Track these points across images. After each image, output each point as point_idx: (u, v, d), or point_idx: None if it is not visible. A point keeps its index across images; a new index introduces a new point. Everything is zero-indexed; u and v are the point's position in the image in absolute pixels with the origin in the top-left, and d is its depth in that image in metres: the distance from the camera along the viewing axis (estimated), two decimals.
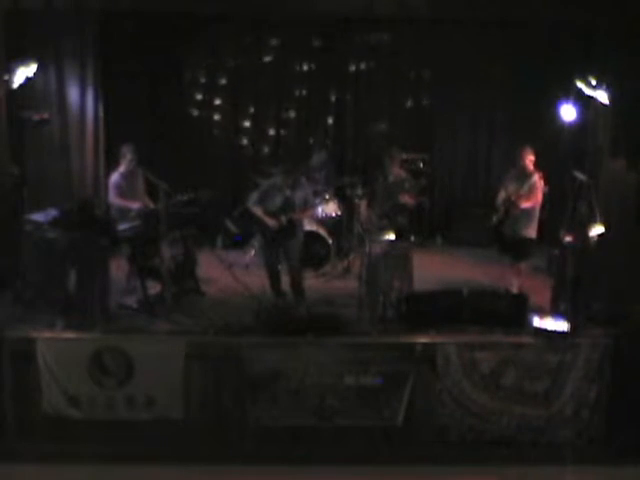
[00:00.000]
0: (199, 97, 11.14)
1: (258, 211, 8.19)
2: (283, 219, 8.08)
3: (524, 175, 8.29)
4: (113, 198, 8.59)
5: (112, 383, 7.15)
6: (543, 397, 7.26)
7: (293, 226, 8.17)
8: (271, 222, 8.09)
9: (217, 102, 11.15)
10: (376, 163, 9.12)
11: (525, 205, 8.21)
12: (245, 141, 11.29)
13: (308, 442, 7.22)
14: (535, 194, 8.24)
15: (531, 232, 8.36)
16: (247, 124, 11.26)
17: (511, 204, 8.27)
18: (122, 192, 8.55)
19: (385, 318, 7.61)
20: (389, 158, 8.55)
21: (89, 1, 9.15)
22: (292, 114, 11.32)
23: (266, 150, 11.25)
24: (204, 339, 7.27)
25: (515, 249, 8.40)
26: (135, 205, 8.41)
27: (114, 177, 8.65)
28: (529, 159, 8.30)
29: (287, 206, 8.13)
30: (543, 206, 8.43)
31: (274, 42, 10.97)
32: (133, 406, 7.17)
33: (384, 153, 8.78)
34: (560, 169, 8.97)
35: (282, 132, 11.29)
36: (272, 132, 11.29)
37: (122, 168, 8.61)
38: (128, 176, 8.60)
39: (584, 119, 9.21)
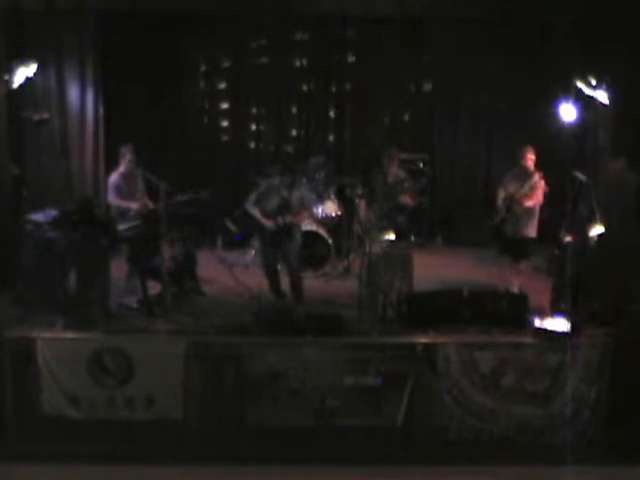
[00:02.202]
0: (199, 97, 11.14)
1: (256, 212, 8.19)
2: (280, 220, 8.07)
3: (525, 175, 8.30)
4: (112, 199, 8.60)
5: (112, 383, 7.14)
6: (543, 397, 7.26)
7: (290, 227, 8.16)
8: (268, 223, 8.09)
9: (217, 102, 11.16)
10: (375, 163, 9.12)
11: (527, 204, 8.22)
12: (245, 141, 11.29)
13: (308, 442, 7.22)
14: (537, 194, 8.26)
15: (531, 231, 8.37)
16: (247, 124, 11.26)
17: (513, 203, 8.27)
18: (121, 193, 8.55)
19: (385, 318, 7.61)
20: (388, 158, 8.56)
21: (89, 1, 9.16)
22: (292, 114, 11.33)
23: (266, 150, 11.25)
24: (204, 339, 7.27)
25: (515, 249, 8.40)
26: (134, 205, 8.41)
27: (113, 177, 8.65)
28: (530, 158, 8.31)
29: (284, 207, 8.12)
30: (543, 206, 8.45)
31: (274, 42, 10.96)
32: (133, 406, 7.17)
33: (383, 153, 8.78)
34: (560, 169, 8.97)
35: (282, 132, 11.30)
36: (272, 132, 11.29)
37: (121, 168, 8.61)
38: (127, 176, 8.59)
39: (584, 119, 9.22)
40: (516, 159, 8.46)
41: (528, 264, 8.66)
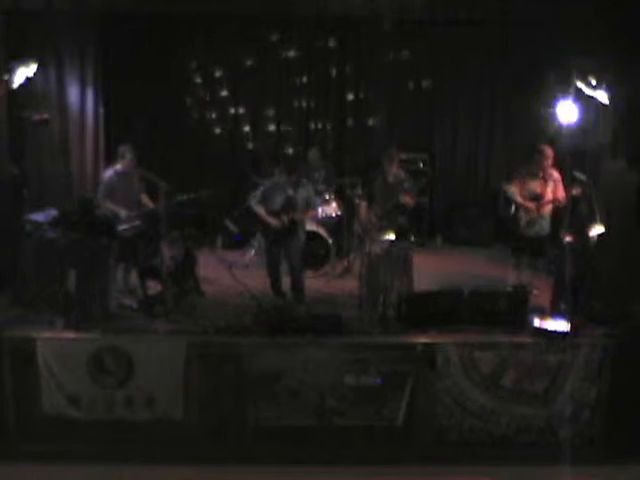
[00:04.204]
0: (199, 97, 11.15)
1: (260, 210, 8.19)
2: (285, 219, 8.08)
3: (545, 174, 8.33)
4: (102, 199, 8.30)
5: (112, 383, 7.14)
6: (543, 397, 7.26)
7: (295, 226, 8.17)
8: (273, 222, 8.09)
9: (217, 102, 11.16)
10: (375, 163, 9.12)
11: (563, 203, 8.29)
12: (245, 141, 11.30)
13: (308, 442, 7.22)
14: (561, 191, 8.31)
15: (547, 229, 8.46)
16: (247, 124, 11.27)
17: (541, 204, 8.29)
18: (113, 193, 8.28)
19: (385, 318, 7.61)
20: (388, 158, 8.55)
21: (89, 1, 9.16)
22: (292, 114, 11.33)
23: (266, 150, 11.25)
24: (204, 339, 7.26)
25: (537, 248, 8.46)
26: (123, 212, 8.18)
27: (108, 174, 8.42)
28: (550, 157, 8.34)
29: (289, 206, 8.13)
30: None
31: (274, 42, 10.97)
32: (133, 406, 7.17)
33: (383, 153, 8.78)
34: (560, 169, 8.97)
35: (282, 132, 11.30)
36: (272, 132, 11.30)
37: (119, 167, 8.36)
38: (123, 175, 8.37)
39: (584, 119, 9.21)
40: (534, 158, 8.44)
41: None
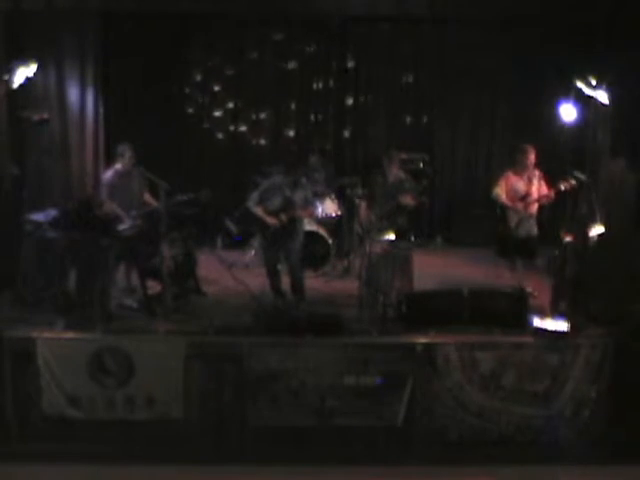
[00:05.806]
0: (199, 97, 11.15)
1: (258, 211, 8.19)
2: (283, 218, 8.08)
3: (530, 173, 8.34)
4: (105, 199, 8.23)
5: (112, 383, 7.14)
6: (543, 397, 7.26)
7: (294, 226, 8.17)
8: (271, 221, 8.09)
9: (217, 102, 11.16)
10: (375, 164, 9.13)
11: (546, 201, 8.29)
12: (245, 141, 11.30)
13: (308, 442, 7.22)
14: (546, 189, 8.31)
15: (536, 229, 8.45)
16: (247, 124, 11.26)
17: (529, 203, 8.30)
18: (113, 193, 8.23)
19: (385, 318, 7.61)
20: (388, 159, 8.56)
21: (89, 1, 9.17)
22: (292, 114, 11.33)
23: (266, 150, 11.25)
24: (204, 339, 7.27)
25: (528, 248, 8.46)
26: (124, 213, 8.10)
27: (108, 175, 8.37)
28: (532, 157, 8.34)
29: (287, 206, 8.13)
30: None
31: (274, 42, 10.97)
32: (133, 406, 7.18)
33: (383, 154, 8.79)
34: (560, 169, 8.99)
35: (282, 132, 11.30)
36: (272, 132, 11.29)
37: (119, 166, 8.31)
38: (123, 175, 8.31)
39: (584, 119, 9.22)
40: (517, 158, 8.45)
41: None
